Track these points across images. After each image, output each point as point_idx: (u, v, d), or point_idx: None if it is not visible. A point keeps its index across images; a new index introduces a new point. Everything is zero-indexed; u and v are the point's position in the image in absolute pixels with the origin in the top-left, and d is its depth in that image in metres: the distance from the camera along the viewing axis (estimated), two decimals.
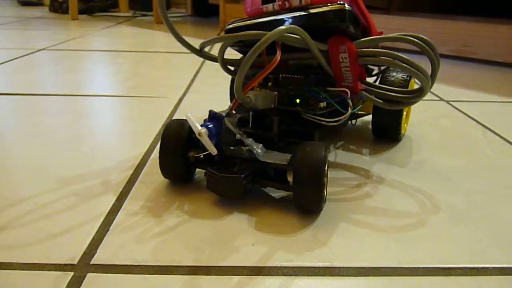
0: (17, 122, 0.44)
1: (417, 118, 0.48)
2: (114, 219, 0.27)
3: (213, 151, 0.28)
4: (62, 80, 0.62)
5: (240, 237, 0.25)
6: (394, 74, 0.38)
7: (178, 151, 0.30)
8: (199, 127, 0.27)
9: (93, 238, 0.25)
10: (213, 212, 0.28)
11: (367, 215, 0.28)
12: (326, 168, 0.28)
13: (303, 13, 0.30)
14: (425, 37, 0.31)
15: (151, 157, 0.36)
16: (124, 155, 0.36)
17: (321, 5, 0.30)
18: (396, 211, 0.29)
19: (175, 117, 0.44)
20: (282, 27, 0.27)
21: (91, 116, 0.46)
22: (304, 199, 0.27)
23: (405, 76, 0.37)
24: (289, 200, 0.29)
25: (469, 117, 0.50)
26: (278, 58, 0.28)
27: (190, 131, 0.29)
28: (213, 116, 0.29)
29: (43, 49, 0.86)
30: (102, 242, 0.24)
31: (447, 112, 0.51)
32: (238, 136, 0.28)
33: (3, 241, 0.24)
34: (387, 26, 0.93)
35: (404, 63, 0.31)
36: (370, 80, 0.36)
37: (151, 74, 0.67)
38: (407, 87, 0.37)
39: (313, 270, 0.23)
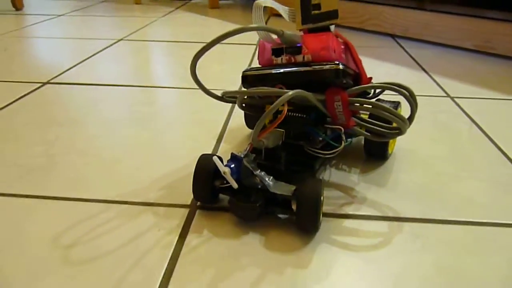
0: (124, 110, 0.61)
1: (420, 111, 0.61)
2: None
3: (234, 185, 0.35)
4: (141, 72, 0.79)
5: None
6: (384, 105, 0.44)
7: (206, 181, 0.37)
8: (224, 168, 0.35)
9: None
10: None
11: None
12: (322, 200, 0.35)
13: (306, 68, 0.37)
14: (407, 86, 0.39)
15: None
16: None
17: (319, 63, 0.37)
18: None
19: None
20: (292, 92, 0.34)
21: (166, 107, 0.63)
22: (304, 223, 0.35)
23: (392, 107, 0.45)
24: (292, 221, 0.37)
25: (465, 113, 0.62)
26: (285, 113, 0.36)
27: (215, 166, 0.36)
28: (234, 157, 0.37)
29: (121, 39, 1.03)
30: None
31: (448, 108, 0.63)
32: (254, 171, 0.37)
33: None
34: (415, 20, 1.02)
35: (384, 111, 0.39)
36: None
37: (210, 66, 0.82)
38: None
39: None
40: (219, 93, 0.44)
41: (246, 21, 1.29)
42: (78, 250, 0.34)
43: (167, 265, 0.32)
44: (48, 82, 0.72)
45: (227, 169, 0.35)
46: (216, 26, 1.23)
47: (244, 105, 0.44)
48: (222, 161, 0.36)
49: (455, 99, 0.67)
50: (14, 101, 0.64)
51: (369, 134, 0.41)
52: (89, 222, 0.37)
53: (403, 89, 0.39)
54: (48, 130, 0.54)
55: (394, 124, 0.40)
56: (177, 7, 1.56)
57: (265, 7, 0.38)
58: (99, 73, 0.78)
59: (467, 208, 0.40)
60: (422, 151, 0.50)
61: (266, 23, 1.27)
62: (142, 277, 0.31)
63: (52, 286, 0.30)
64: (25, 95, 0.66)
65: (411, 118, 0.39)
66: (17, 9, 1.47)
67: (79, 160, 0.47)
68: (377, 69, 0.83)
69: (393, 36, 1.10)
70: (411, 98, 0.39)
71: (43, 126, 0.56)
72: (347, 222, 0.38)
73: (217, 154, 0.38)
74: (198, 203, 0.40)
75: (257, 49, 0.42)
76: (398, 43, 1.03)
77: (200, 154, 0.39)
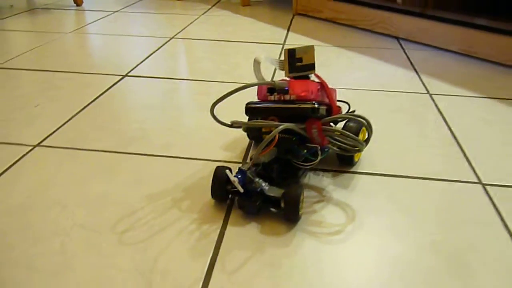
0: (188, 98, 0.85)
1: (399, 106, 0.83)
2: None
3: (240, 190, 0.48)
4: (190, 67, 1.03)
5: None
6: (351, 124, 0.58)
7: (220, 186, 0.51)
8: (233, 178, 0.48)
9: None
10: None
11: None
12: (302, 199, 0.49)
13: (292, 105, 0.51)
14: (365, 117, 0.53)
15: None
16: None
17: (302, 102, 0.51)
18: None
19: None
20: (282, 126, 0.48)
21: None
22: (289, 216, 0.49)
23: (356, 125, 0.57)
24: (281, 215, 0.51)
25: (437, 107, 0.83)
26: (277, 138, 0.49)
27: (227, 175, 0.50)
28: (240, 170, 0.50)
29: (173, 37, 1.27)
30: None
31: (424, 102, 0.85)
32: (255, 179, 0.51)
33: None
34: (416, 26, 1.22)
35: (348, 137, 0.52)
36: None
37: (245, 63, 1.05)
38: (358, 133, 0.57)
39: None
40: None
41: (272, 20, 1.51)
42: (160, 194, 0.58)
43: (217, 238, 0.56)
44: (126, 75, 0.97)
45: (235, 179, 0.48)
46: (248, 25, 1.45)
47: (246, 129, 0.59)
48: (231, 172, 0.50)
49: (433, 95, 0.89)
50: (106, 90, 0.89)
51: (338, 149, 0.54)
52: (173, 172, 0.61)
53: (362, 119, 0.53)
54: (139, 113, 0.79)
55: (362, 134, 0.57)
56: (212, 5, 1.78)
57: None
58: (163, 68, 1.02)
59: (417, 168, 0.62)
60: (394, 134, 0.73)
61: (291, 22, 1.48)
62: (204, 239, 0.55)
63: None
64: (112, 86, 0.91)
65: (367, 141, 0.55)
66: (77, 5, 1.72)
67: (164, 132, 0.72)
68: (379, 67, 1.04)
69: (397, 38, 1.30)
70: (368, 126, 0.54)
71: (134, 110, 0.80)
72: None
73: (228, 167, 0.52)
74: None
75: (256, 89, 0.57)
76: (400, 45, 1.24)
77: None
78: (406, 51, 1.18)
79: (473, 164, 0.64)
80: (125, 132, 0.72)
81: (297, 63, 0.55)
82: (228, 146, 0.68)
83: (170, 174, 0.60)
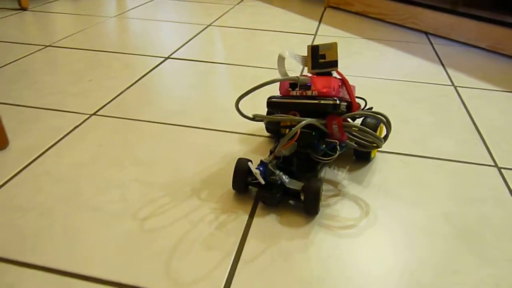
0: (226, 81, 0.92)
1: (424, 96, 0.87)
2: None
3: (262, 182, 0.49)
4: (227, 52, 1.09)
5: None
6: (369, 121, 0.60)
7: (242, 177, 0.52)
8: (255, 170, 0.48)
9: None
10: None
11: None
12: (321, 192, 0.49)
13: (314, 101, 0.51)
14: (384, 114, 0.53)
15: None
16: None
17: (323, 98, 0.51)
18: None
19: None
20: (305, 120, 0.49)
21: (252, 80, 0.93)
22: (309, 209, 0.50)
23: (374, 122, 0.60)
24: (300, 207, 0.52)
25: (461, 98, 0.88)
26: (298, 133, 0.50)
27: (248, 167, 0.51)
28: (262, 162, 0.51)
29: (210, 25, 1.34)
30: None
31: (448, 93, 0.90)
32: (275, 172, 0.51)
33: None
34: (444, 21, 1.26)
35: (367, 133, 0.53)
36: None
37: (279, 51, 1.11)
38: (376, 129, 0.59)
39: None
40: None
41: (304, 12, 1.56)
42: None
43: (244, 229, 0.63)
44: (168, 57, 1.05)
45: (257, 171, 0.49)
46: (280, 15, 1.50)
47: (266, 123, 0.65)
48: (252, 164, 0.51)
49: (457, 87, 0.93)
50: (151, 70, 0.96)
51: (356, 145, 0.55)
52: (210, 142, 0.68)
53: (382, 116, 0.53)
54: (181, 91, 0.86)
55: (380, 131, 0.59)
56: None
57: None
58: (201, 52, 1.09)
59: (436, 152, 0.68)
60: (418, 120, 0.78)
61: (322, 14, 1.53)
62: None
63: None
64: (156, 66, 0.99)
65: (386, 137, 0.55)
66: None
67: (205, 108, 0.79)
68: (408, 61, 1.09)
69: (426, 33, 1.34)
70: (387, 123, 0.53)
71: (177, 88, 0.87)
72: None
73: (249, 159, 0.53)
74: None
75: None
76: (429, 39, 1.28)
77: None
78: (434, 46, 1.22)
79: (491, 150, 0.68)
80: (169, 106, 0.79)
81: (320, 60, 0.54)
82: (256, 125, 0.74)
83: (207, 143, 0.67)
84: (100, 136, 0.68)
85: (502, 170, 0.63)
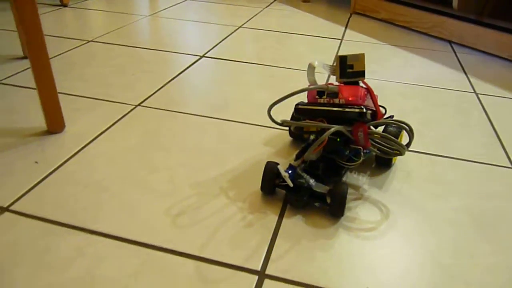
0: (256, 79, 0.98)
1: (447, 101, 0.92)
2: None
3: (290, 184, 0.52)
4: (258, 53, 1.15)
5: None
6: (391, 129, 0.63)
7: (271, 179, 0.55)
8: (284, 173, 0.51)
9: None
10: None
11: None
12: (346, 196, 0.52)
13: (341, 109, 0.54)
14: (407, 123, 0.55)
15: None
16: None
17: (350, 106, 0.53)
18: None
19: None
20: (333, 128, 0.52)
21: (280, 80, 0.99)
22: (335, 211, 0.52)
23: (396, 130, 0.63)
24: (326, 210, 0.55)
25: (481, 104, 0.92)
26: (325, 141, 0.52)
27: (277, 170, 0.54)
28: (291, 166, 0.54)
29: (241, 26, 1.40)
30: None
31: (470, 100, 0.94)
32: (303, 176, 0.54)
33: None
34: (468, 31, 1.30)
35: (391, 140, 0.55)
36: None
37: (307, 54, 1.16)
38: (398, 136, 0.62)
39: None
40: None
41: (331, 17, 1.61)
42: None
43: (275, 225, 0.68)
44: (204, 56, 1.11)
45: (286, 174, 0.52)
46: (308, 20, 1.56)
47: (294, 128, 0.63)
48: (279, 167, 0.54)
49: (479, 95, 0.97)
50: (188, 67, 1.03)
51: (379, 152, 0.58)
52: (249, 134, 0.74)
53: (404, 124, 0.55)
54: (219, 87, 0.92)
55: (401, 138, 0.63)
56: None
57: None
58: (234, 52, 1.15)
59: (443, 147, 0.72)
60: (440, 123, 0.82)
61: (348, 20, 1.57)
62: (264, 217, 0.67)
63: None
64: (193, 64, 1.05)
65: (408, 145, 0.56)
66: None
67: (242, 103, 0.85)
68: (430, 68, 1.13)
69: (450, 42, 1.38)
70: (410, 131, 0.55)
71: (214, 85, 0.94)
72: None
73: (277, 162, 0.56)
74: None
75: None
76: (452, 48, 1.32)
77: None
78: (458, 54, 1.26)
79: (509, 153, 0.73)
80: (208, 101, 0.85)
81: (348, 70, 0.57)
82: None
83: (246, 137, 0.73)
84: (146, 125, 0.75)
85: None
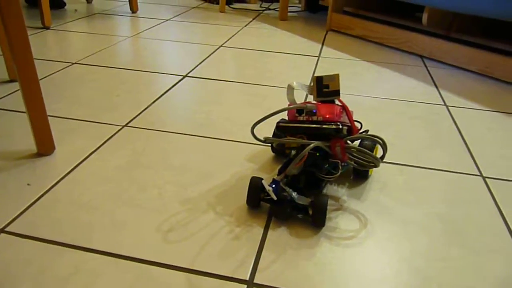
0: (239, 97, 1.02)
1: (418, 114, 0.97)
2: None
3: (274, 198, 0.55)
4: (239, 72, 1.19)
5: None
6: (366, 142, 0.67)
7: (256, 194, 0.58)
8: (268, 187, 0.55)
9: None
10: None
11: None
12: (327, 207, 0.55)
13: (319, 125, 0.58)
14: (381, 137, 0.60)
15: None
16: None
17: (327, 123, 0.58)
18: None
19: None
20: (313, 144, 0.57)
21: (263, 98, 1.03)
22: (317, 222, 0.56)
23: (371, 143, 0.66)
24: (308, 221, 0.58)
25: (451, 116, 0.98)
26: (306, 156, 0.56)
27: (261, 184, 0.57)
28: (274, 180, 0.57)
29: (221, 45, 1.45)
30: None
31: (440, 112, 1.00)
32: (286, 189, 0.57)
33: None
34: (438, 46, 1.37)
35: (366, 154, 0.60)
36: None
37: (285, 71, 1.21)
38: (373, 150, 0.65)
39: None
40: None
41: (308, 35, 1.67)
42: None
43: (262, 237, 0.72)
44: (186, 76, 1.14)
45: (270, 188, 0.56)
46: (286, 38, 1.61)
47: (276, 144, 0.71)
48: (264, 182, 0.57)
49: (449, 107, 1.03)
50: (172, 87, 1.06)
51: (356, 165, 0.62)
52: (233, 152, 0.77)
53: (378, 139, 0.60)
54: (203, 106, 0.96)
55: (376, 151, 0.67)
56: (253, 18, 1.96)
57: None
58: (215, 71, 1.19)
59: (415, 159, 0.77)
60: (413, 135, 0.87)
61: (325, 37, 1.64)
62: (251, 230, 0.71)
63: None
64: (176, 83, 1.08)
65: (383, 157, 0.61)
66: (133, 12, 1.92)
67: (225, 121, 0.88)
68: (403, 82, 1.19)
69: (421, 57, 1.45)
70: (383, 145, 0.61)
71: (198, 104, 0.97)
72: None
73: (261, 177, 0.59)
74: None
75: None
76: (424, 62, 1.38)
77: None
78: (429, 68, 1.32)
79: (477, 161, 0.78)
80: (193, 120, 0.88)
81: (324, 89, 0.62)
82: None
83: (231, 153, 0.76)
84: (133, 145, 0.77)
85: (486, 179, 0.73)
